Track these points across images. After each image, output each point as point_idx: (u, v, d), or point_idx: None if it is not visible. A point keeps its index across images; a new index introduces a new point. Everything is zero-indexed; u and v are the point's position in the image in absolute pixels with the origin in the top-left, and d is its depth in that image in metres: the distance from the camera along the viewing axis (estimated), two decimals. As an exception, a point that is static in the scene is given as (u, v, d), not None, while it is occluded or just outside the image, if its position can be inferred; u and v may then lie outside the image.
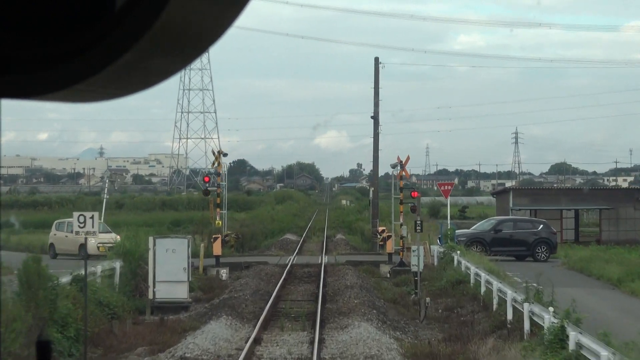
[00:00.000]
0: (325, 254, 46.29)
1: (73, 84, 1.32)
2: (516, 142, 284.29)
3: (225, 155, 47.17)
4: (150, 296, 29.97)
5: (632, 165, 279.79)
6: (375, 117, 48.33)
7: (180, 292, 30.26)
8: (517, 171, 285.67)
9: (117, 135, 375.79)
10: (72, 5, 1.31)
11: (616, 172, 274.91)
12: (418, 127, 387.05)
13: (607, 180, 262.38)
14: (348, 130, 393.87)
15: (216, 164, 46.28)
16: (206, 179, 46.53)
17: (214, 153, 46.49)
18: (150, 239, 30.66)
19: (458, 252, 37.66)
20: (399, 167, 41.42)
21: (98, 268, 30.02)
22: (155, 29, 1.25)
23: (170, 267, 30.06)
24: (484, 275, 30.88)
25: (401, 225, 41.35)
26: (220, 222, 45.74)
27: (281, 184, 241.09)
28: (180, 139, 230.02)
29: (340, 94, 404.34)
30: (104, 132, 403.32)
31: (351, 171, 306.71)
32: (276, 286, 33.03)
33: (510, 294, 26.28)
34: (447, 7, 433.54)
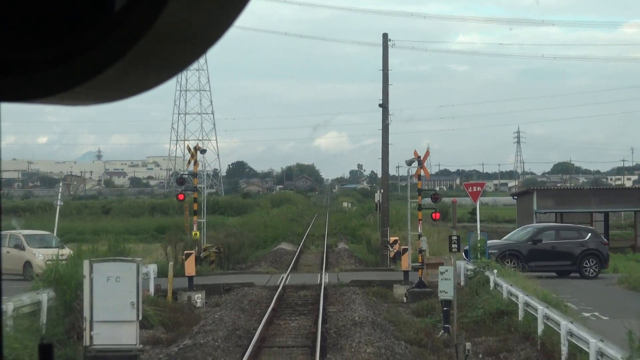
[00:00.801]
0: (325, 270, 37.59)
1: (73, 86, 1.28)
2: (518, 142, 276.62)
3: (203, 152, 38.37)
4: (86, 342, 21.29)
5: (634, 164, 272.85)
6: (384, 105, 39.50)
7: (127, 336, 21.52)
8: (519, 171, 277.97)
9: (117, 138, 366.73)
10: (71, 6, 1.27)
11: (620, 170, 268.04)
12: (418, 128, 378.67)
13: (611, 179, 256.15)
14: (348, 131, 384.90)
15: (192, 163, 37.54)
16: (180, 180, 37.72)
17: (189, 149, 37.73)
18: (86, 263, 21.91)
19: (495, 271, 28.89)
20: (416, 164, 32.75)
21: (9, 305, 21.25)
22: (155, 30, 1.22)
23: (113, 301, 21.33)
24: (541, 309, 22.12)
25: (419, 236, 32.63)
26: (197, 233, 37.05)
27: (280, 186, 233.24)
28: (177, 140, 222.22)
29: (339, 95, 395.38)
30: (104, 135, 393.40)
31: (351, 172, 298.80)
32: (260, 321, 24.30)
33: (594, 344, 17.56)
34: (446, 7, 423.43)
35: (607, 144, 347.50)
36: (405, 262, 32.39)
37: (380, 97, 39.86)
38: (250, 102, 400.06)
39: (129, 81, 1.32)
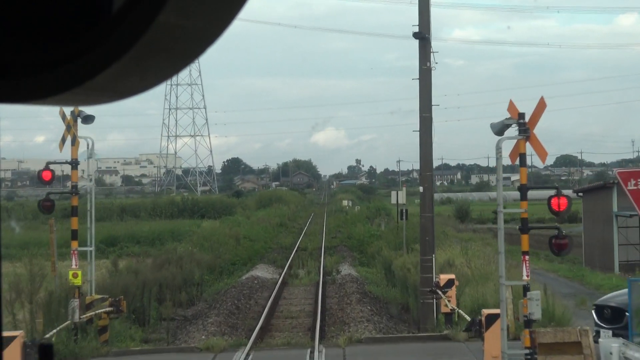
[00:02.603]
0: (320, 337, 19.31)
1: (71, 87, 1.22)
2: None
3: (87, 120, 19.61)
4: None
5: (635, 156, 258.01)
6: (422, 35, 20.50)
7: None
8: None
9: (115, 137, 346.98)
10: (69, 7, 1.22)
11: (623, 163, 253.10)
12: (418, 123, 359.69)
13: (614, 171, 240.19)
14: (346, 127, 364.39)
15: (68, 141, 19.29)
16: (46, 175, 19.29)
17: (62, 116, 19.39)
18: None
19: None
20: (515, 131, 14.34)
21: None
22: (153, 31, 1.17)
23: None
24: None
25: (527, 287, 14.15)
26: (78, 274, 18.71)
27: (277, 183, 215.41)
28: (168, 136, 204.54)
29: (337, 91, 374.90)
30: (102, 133, 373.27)
31: (350, 168, 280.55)
32: None
33: None
34: (441, 1, 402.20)
35: (606, 136, 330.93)
36: (496, 344, 14.05)
37: (415, 24, 21.14)
38: (247, 100, 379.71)
39: (128, 82, 1.25)
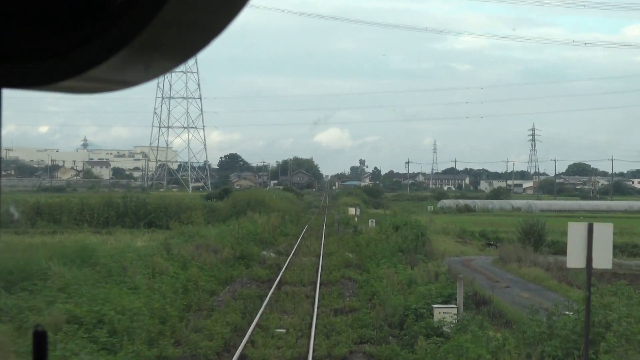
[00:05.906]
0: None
1: (73, 75, 1.19)
2: (533, 140, 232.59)
3: None
4: None
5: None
6: None
7: None
8: (531, 171, 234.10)
9: (117, 130, 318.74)
10: None
11: (637, 174, 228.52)
12: (422, 126, 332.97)
13: (631, 182, 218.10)
14: (349, 127, 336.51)
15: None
16: None
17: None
18: None
19: None
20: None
21: None
22: (158, 21, 1.14)
23: None
24: None
25: None
26: None
27: (275, 181, 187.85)
28: (160, 127, 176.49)
29: (340, 91, 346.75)
30: (102, 126, 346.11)
31: (352, 168, 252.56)
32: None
33: None
34: (448, 7, 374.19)
35: (613, 143, 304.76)
36: None
37: None
38: (249, 97, 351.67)
39: (131, 72, 1.20)
